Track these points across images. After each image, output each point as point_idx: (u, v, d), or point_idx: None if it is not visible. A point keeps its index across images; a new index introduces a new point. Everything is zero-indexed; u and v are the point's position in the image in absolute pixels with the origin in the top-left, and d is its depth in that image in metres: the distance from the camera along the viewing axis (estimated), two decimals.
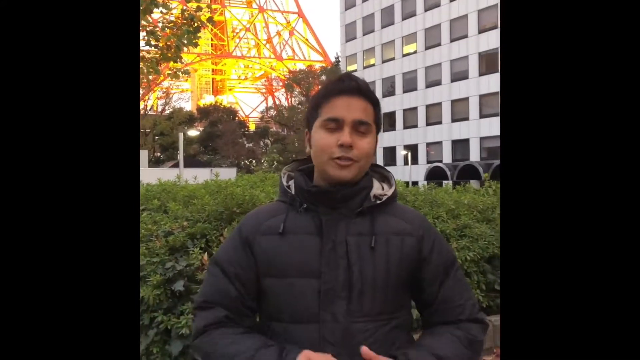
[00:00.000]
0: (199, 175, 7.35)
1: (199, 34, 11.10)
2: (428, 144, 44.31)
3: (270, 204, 1.33)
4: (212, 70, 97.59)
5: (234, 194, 3.83)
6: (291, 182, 1.28)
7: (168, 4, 9.60)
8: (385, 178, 1.33)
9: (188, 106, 72.11)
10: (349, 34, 52.19)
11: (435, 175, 38.48)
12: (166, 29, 10.76)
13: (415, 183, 40.07)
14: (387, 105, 47.57)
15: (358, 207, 1.22)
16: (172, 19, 11.01)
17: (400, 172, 43.72)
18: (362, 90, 1.23)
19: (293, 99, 51.27)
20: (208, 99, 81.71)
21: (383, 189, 1.28)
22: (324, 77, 46.06)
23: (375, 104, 1.25)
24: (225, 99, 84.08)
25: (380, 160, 47.73)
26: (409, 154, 41.19)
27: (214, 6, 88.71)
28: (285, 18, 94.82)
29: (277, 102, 68.93)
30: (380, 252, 1.20)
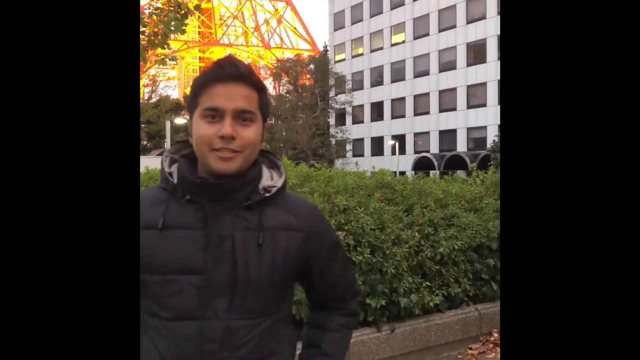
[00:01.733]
0: None
1: (186, 21, 10.94)
2: (416, 134, 44.39)
3: (150, 190, 1.22)
4: (200, 58, 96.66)
5: None
6: (174, 168, 1.20)
7: None
8: (275, 165, 1.27)
9: (175, 94, 71.43)
10: (337, 23, 51.92)
11: (422, 165, 38.63)
12: (153, 15, 10.61)
13: (402, 173, 40.05)
14: (375, 95, 47.51)
15: (246, 200, 1.17)
16: (159, 5, 10.86)
17: (388, 162, 43.79)
18: (244, 76, 1.14)
19: (281, 87, 50.98)
20: None
21: (272, 178, 1.23)
22: (312, 66, 45.86)
23: (260, 89, 1.17)
24: None
25: (367, 151, 47.78)
26: (397, 144, 41.28)
27: None
28: (273, 6, 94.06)
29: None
30: (267, 249, 1.16)
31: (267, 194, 1.19)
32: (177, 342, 1.13)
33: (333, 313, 1.34)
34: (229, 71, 1.14)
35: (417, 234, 3.98)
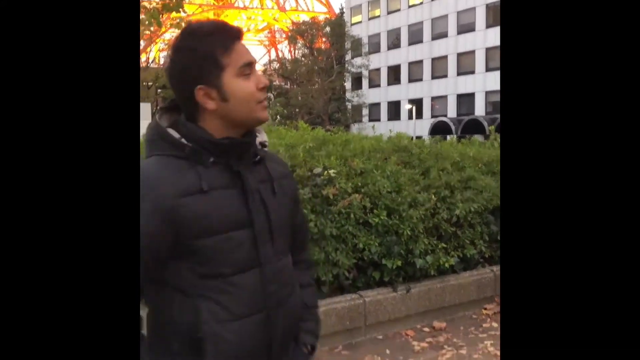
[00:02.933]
0: None
1: None
2: (433, 98, 43.82)
3: (157, 160, 1.19)
4: None
5: None
6: (173, 132, 1.20)
7: None
8: None
9: None
10: None
11: (439, 129, 38.25)
12: None
13: (419, 138, 39.67)
14: (392, 58, 46.74)
15: (254, 156, 1.26)
16: None
17: (405, 127, 43.40)
18: (242, 32, 1.22)
19: (296, 51, 50.38)
20: None
21: (260, 133, 1.32)
22: (327, 29, 45.12)
23: None
24: None
25: (384, 115, 47.35)
26: (414, 108, 40.82)
27: None
28: None
29: (280, 55, 67.80)
30: (280, 196, 1.28)
31: (265, 149, 1.30)
32: (243, 293, 1.21)
33: (303, 270, 1.46)
34: (236, 30, 1.20)
35: (433, 196, 4.00)
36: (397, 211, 3.78)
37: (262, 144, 1.30)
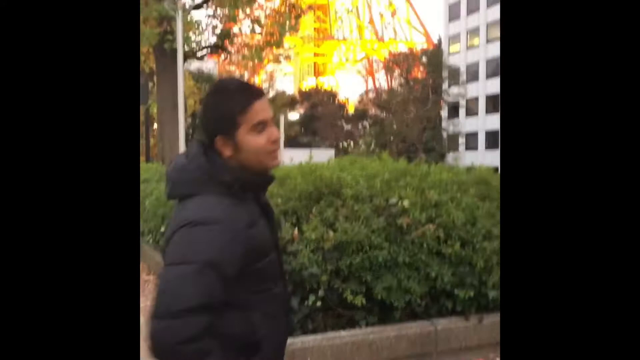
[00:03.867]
0: (298, 156, 7.84)
1: (300, 20, 11.50)
2: None
3: (220, 199, 1.35)
4: (314, 53, 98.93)
5: (323, 176, 4.19)
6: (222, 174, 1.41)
7: None
8: None
9: (290, 89, 73.97)
10: (453, 14, 50.57)
11: None
12: (269, 18, 11.26)
13: None
14: (491, 86, 45.70)
15: (264, 191, 1.57)
16: (275, 7, 11.47)
17: None
18: (261, 91, 1.45)
19: (393, 81, 50.78)
20: (310, 82, 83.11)
21: None
22: (424, 59, 45.16)
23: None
24: (327, 81, 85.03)
25: (482, 144, 46.11)
26: None
27: None
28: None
29: (377, 85, 68.58)
30: (275, 224, 1.59)
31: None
32: (279, 300, 1.55)
33: None
34: (256, 90, 1.43)
35: None
36: (471, 243, 3.89)
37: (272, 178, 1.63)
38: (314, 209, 3.86)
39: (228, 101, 1.39)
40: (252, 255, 1.37)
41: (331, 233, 3.66)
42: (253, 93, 1.41)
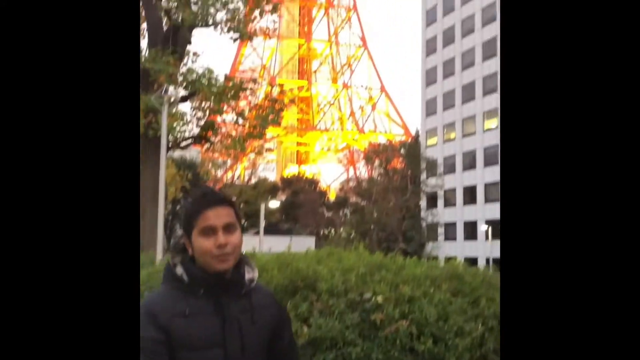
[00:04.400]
0: (279, 244, 7.89)
1: (285, 109, 11.96)
2: None
3: (163, 291, 1.60)
4: (297, 142, 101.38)
5: (299, 268, 4.25)
6: (179, 270, 1.59)
7: (256, 91, 10.48)
8: (248, 262, 1.69)
9: (273, 176, 74.95)
10: (430, 109, 52.90)
11: None
12: (253, 111, 11.70)
13: (496, 260, 38.49)
14: (467, 178, 46.98)
15: (240, 290, 1.62)
16: (258, 102, 11.96)
17: (482, 248, 42.30)
18: (222, 199, 1.61)
19: (373, 171, 51.97)
20: (292, 169, 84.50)
21: (252, 271, 1.67)
22: (402, 150, 46.60)
23: (233, 205, 1.64)
24: (308, 169, 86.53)
25: (460, 235, 46.59)
26: (490, 229, 39.97)
27: (301, 83, 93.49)
28: (368, 93, 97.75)
29: (358, 174, 70.01)
30: (258, 325, 1.61)
31: (253, 284, 1.66)
32: None
33: None
34: (214, 199, 1.60)
35: (480, 326, 4.11)
36: (443, 340, 3.92)
37: (251, 280, 1.67)
38: (289, 303, 3.88)
39: (190, 206, 1.62)
40: (175, 342, 1.50)
41: (305, 328, 3.67)
42: (209, 200, 1.60)
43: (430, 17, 53.77)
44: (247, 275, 1.66)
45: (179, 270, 1.60)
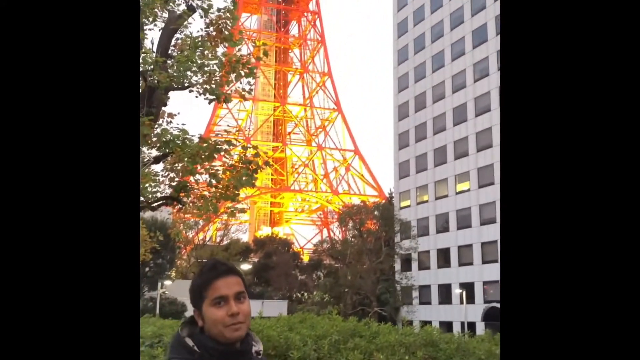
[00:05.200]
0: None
1: (259, 170, 12.00)
2: (485, 283, 42.87)
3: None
4: (271, 202, 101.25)
5: (270, 336, 4.10)
6: (189, 341, 1.60)
7: (230, 151, 10.53)
8: (252, 334, 1.70)
9: (245, 237, 74.10)
10: (403, 172, 53.77)
11: (493, 316, 36.71)
12: (227, 172, 11.71)
13: (471, 324, 38.16)
14: (441, 241, 47.21)
15: None
16: (232, 163, 12.01)
17: (457, 312, 41.97)
18: (231, 269, 1.64)
19: (347, 232, 51.88)
20: (265, 230, 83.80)
21: (256, 344, 1.69)
22: (376, 212, 46.85)
23: (240, 274, 1.67)
24: (282, 230, 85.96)
25: (435, 298, 46.28)
26: (464, 293, 39.85)
27: (275, 144, 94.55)
28: (342, 155, 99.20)
29: (332, 235, 69.73)
30: None
31: (259, 357, 1.68)
32: None
33: None
34: (222, 269, 1.64)
35: None
36: None
37: (257, 353, 1.68)
38: None
39: (199, 278, 1.66)
40: None
41: None
42: (218, 271, 1.64)
43: (402, 84, 55.68)
44: (255, 348, 1.68)
45: (190, 342, 1.60)
